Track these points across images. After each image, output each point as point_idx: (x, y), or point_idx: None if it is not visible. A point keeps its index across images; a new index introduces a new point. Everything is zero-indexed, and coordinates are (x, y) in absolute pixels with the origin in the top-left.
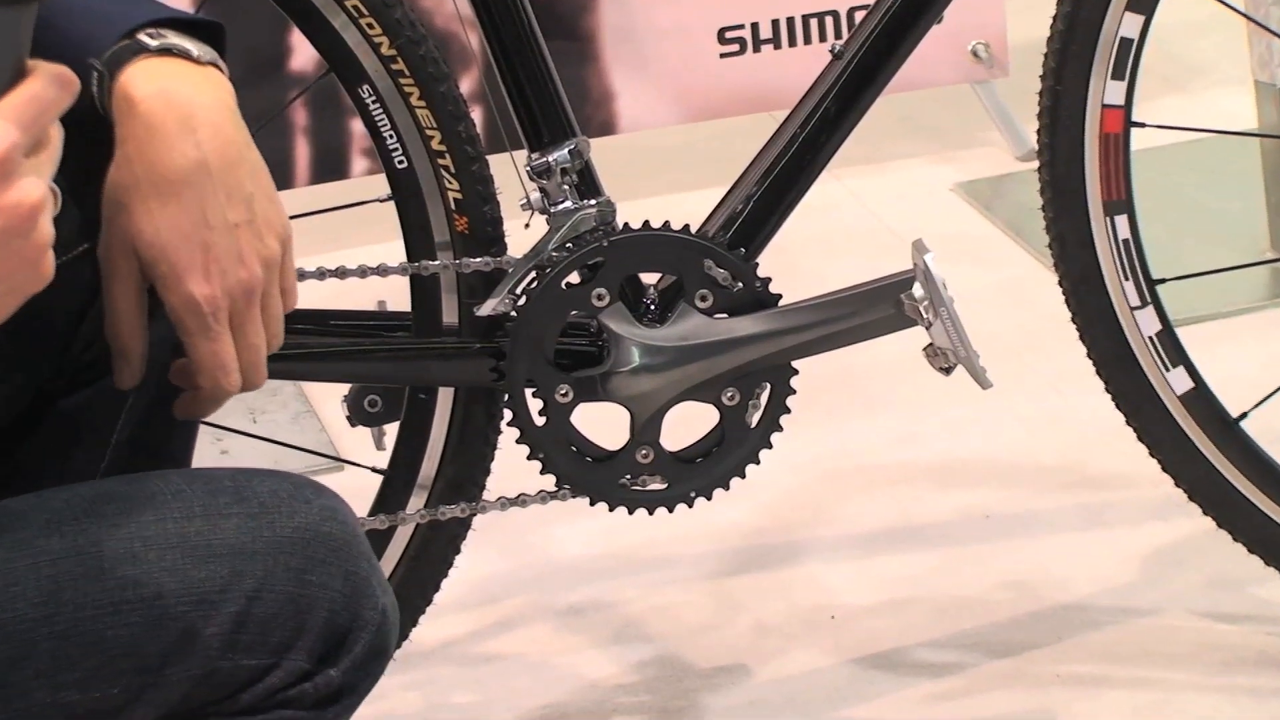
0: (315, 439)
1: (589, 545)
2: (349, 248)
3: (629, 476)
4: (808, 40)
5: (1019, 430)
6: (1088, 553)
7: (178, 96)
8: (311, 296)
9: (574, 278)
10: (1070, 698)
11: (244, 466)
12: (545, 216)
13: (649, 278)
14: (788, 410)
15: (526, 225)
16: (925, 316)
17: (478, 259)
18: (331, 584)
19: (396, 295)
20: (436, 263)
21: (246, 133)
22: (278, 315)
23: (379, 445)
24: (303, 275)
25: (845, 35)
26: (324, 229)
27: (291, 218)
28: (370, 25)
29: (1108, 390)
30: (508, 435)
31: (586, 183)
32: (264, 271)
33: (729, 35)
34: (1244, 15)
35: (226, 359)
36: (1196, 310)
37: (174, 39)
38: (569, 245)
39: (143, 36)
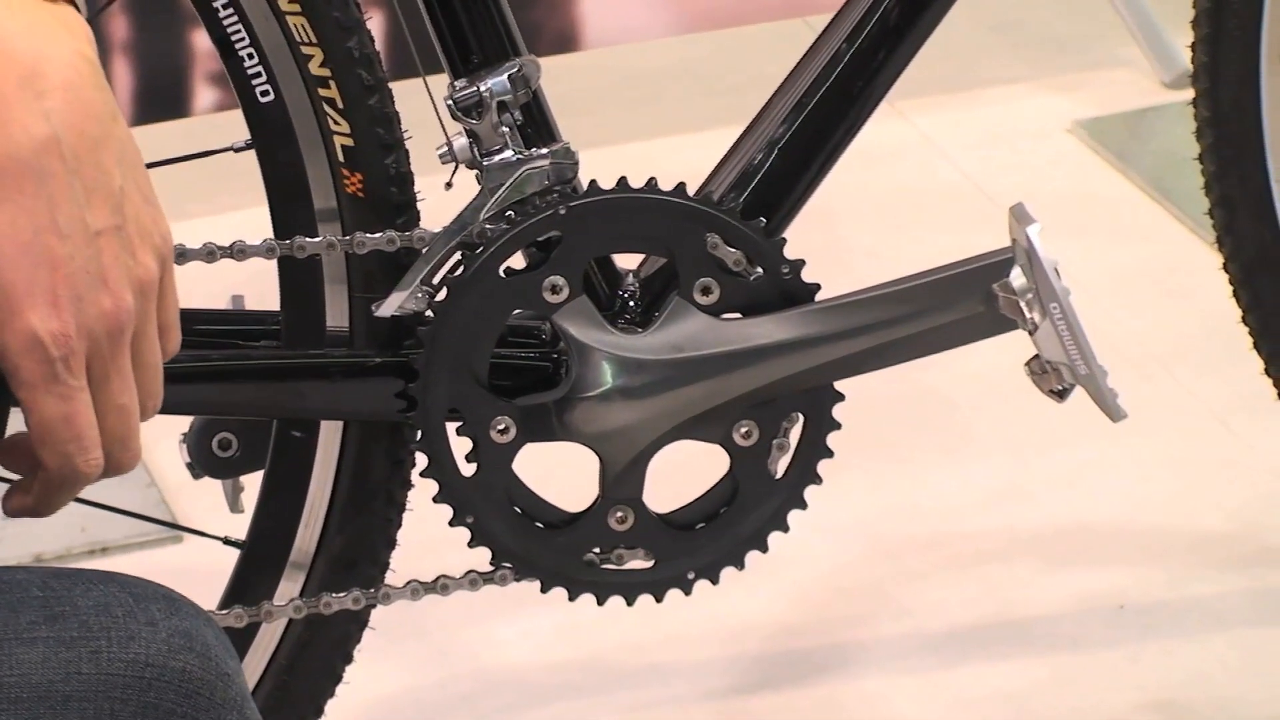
0: (141, 496)
1: (541, 651)
2: (190, 218)
3: (599, 550)
4: None
5: (1167, 481)
6: (1267, 660)
7: (16, 45)
8: None
9: (517, 261)
10: None
11: (56, 566)
12: (475, 172)
13: (626, 261)
14: (829, 454)
15: (448, 185)
16: (1029, 316)
17: (377, 234)
18: None
19: (258, 286)
20: (317, 239)
21: (112, 99)
22: (155, 365)
23: (234, 506)
24: None
25: None
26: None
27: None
28: None
29: None
30: (421, 490)
31: (535, 123)
32: (136, 301)
33: None
34: None
35: (82, 425)
36: None
37: None
38: (510, 214)
39: None
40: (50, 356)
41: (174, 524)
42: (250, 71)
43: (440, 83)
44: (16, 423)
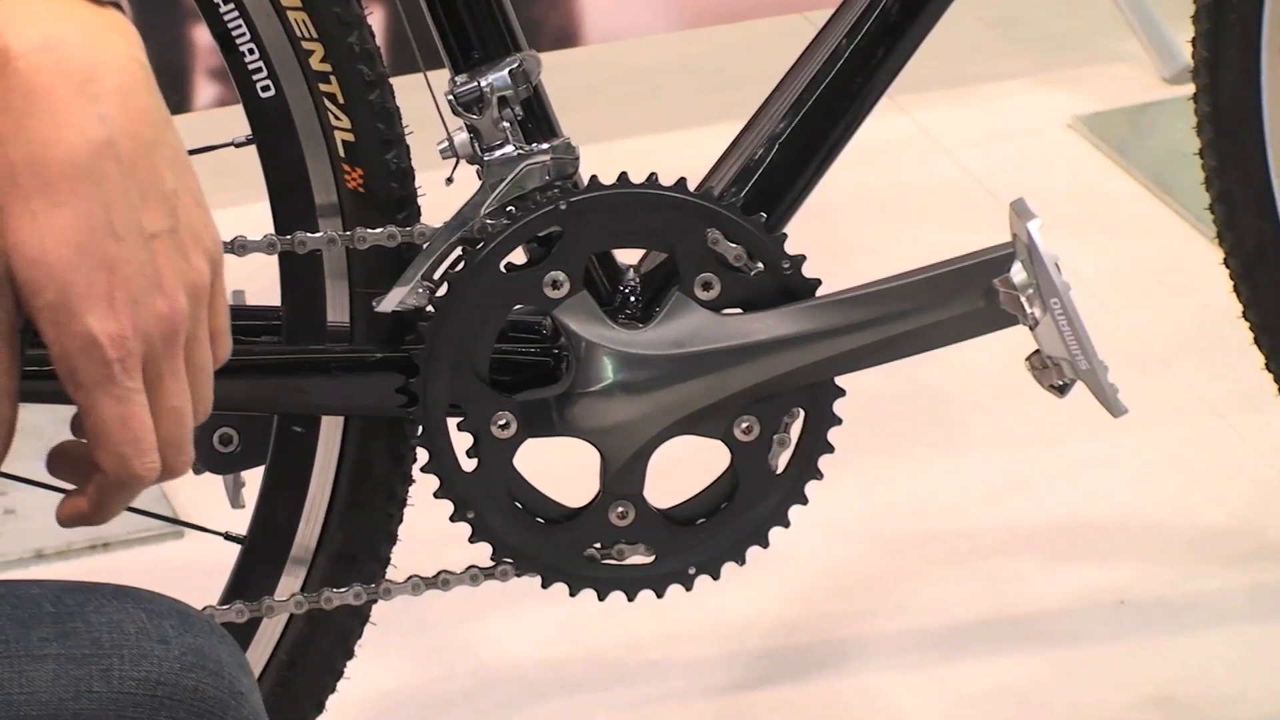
0: (143, 492)
1: (541, 647)
2: None
3: (599, 545)
4: None
5: (1167, 477)
6: (1268, 656)
7: (72, 51)
8: None
9: (518, 256)
10: None
11: (69, 581)
12: (476, 168)
13: (627, 257)
14: (830, 449)
15: (449, 180)
16: (1029, 311)
17: (378, 229)
18: None
19: (259, 282)
20: (318, 235)
21: (163, 103)
22: (206, 369)
23: (235, 501)
24: None
25: None
26: None
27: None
28: None
29: None
30: (422, 486)
31: (536, 118)
32: (189, 304)
33: None
34: None
35: (139, 428)
36: None
37: None
38: (511, 209)
39: None
40: (108, 358)
41: (175, 519)
42: (251, 67)
43: (441, 78)
44: (62, 432)
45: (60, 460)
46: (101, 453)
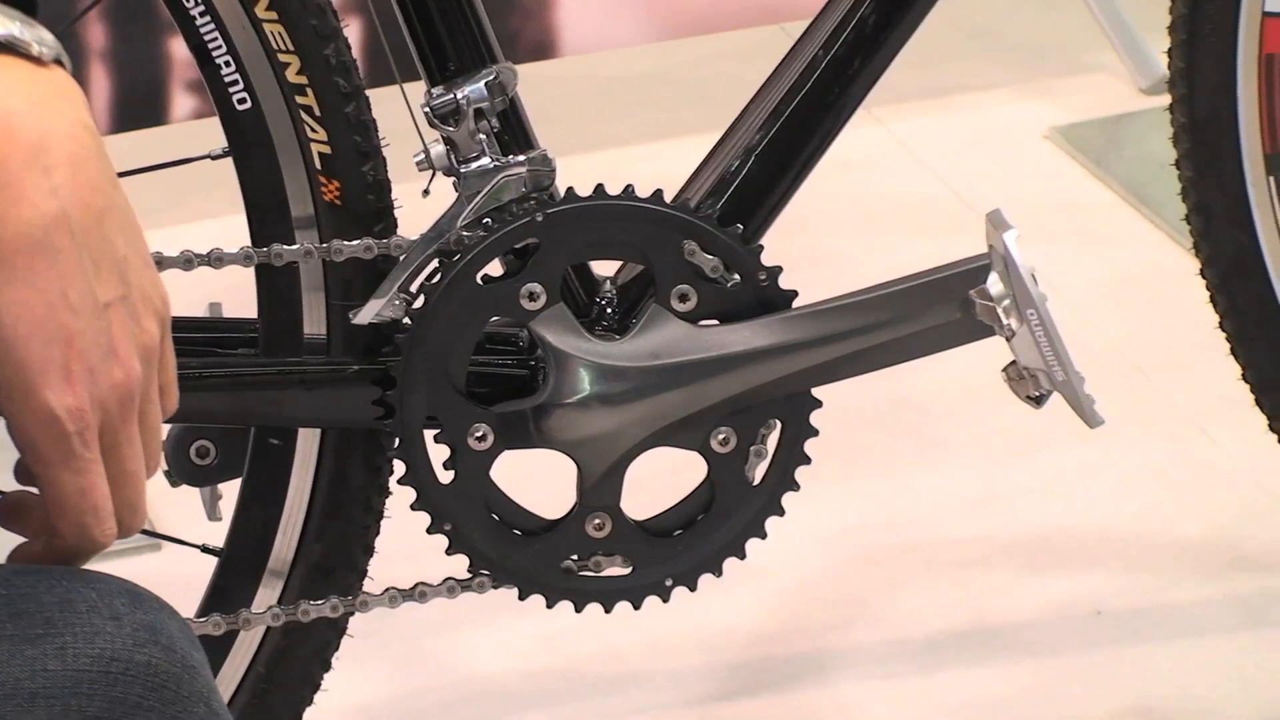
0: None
1: (519, 659)
2: (167, 226)
3: (576, 557)
4: None
5: (1144, 488)
6: (1244, 667)
7: (21, 121)
8: None
9: (495, 268)
10: None
11: (24, 565)
12: (453, 180)
13: (603, 269)
14: (807, 460)
15: (425, 192)
16: (1005, 322)
17: (354, 241)
18: None
19: (236, 295)
20: (295, 247)
21: (111, 166)
22: (156, 429)
23: (212, 514)
24: None
25: None
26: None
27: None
28: None
29: (1273, 428)
30: (399, 498)
31: (512, 130)
32: (142, 368)
33: None
34: None
35: (98, 498)
36: None
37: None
38: (487, 221)
39: None
40: (66, 432)
41: (151, 532)
42: (227, 79)
43: (417, 90)
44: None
45: (12, 513)
46: (61, 522)
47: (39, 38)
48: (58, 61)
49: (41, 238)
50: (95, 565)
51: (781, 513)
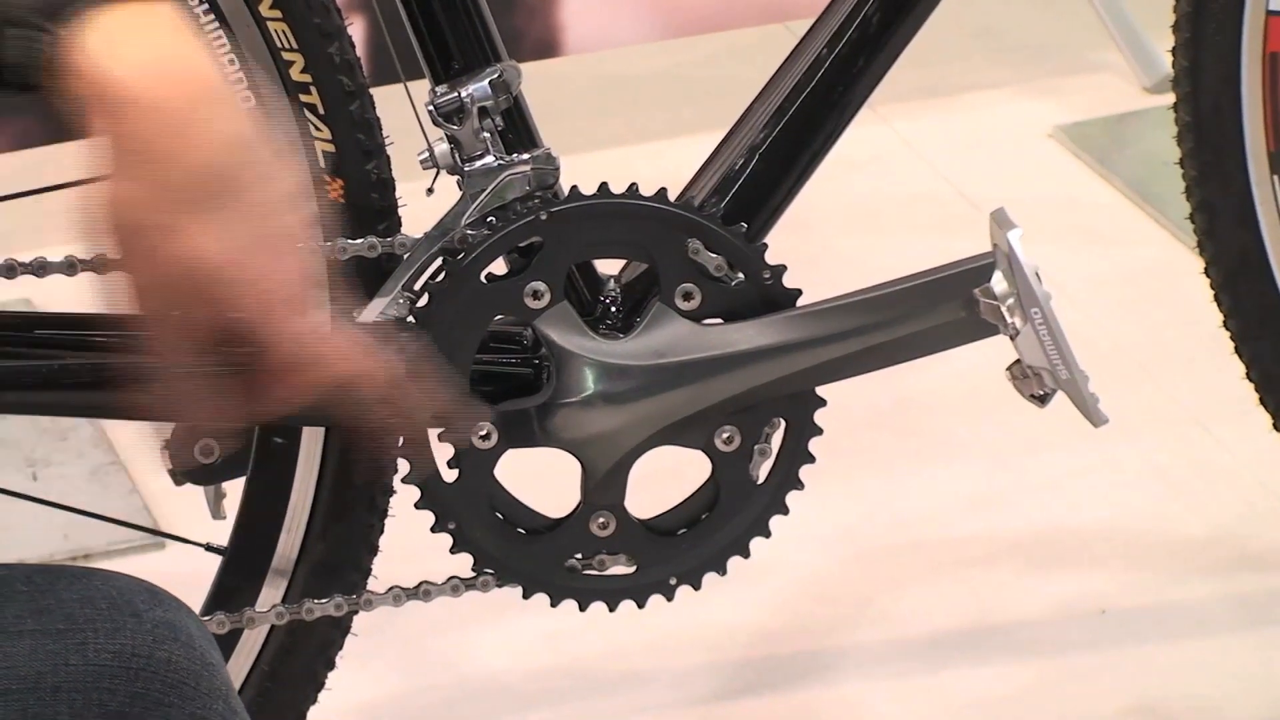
0: (123, 502)
1: (522, 657)
2: None
3: (580, 556)
4: None
5: (1148, 487)
6: (1248, 666)
7: (172, 61)
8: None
9: (499, 267)
10: None
11: (43, 563)
12: (457, 178)
13: (608, 267)
14: (811, 459)
15: (430, 191)
16: (1009, 321)
17: (358, 240)
18: None
19: None
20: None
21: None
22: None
23: (216, 513)
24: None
25: None
26: None
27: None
28: None
29: (1277, 428)
30: (403, 497)
31: (516, 129)
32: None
33: None
34: None
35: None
36: None
37: None
38: (491, 220)
39: None
40: (303, 310)
41: (156, 530)
42: (231, 78)
43: (421, 88)
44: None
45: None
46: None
47: None
48: None
49: (231, 160)
50: (103, 564)
51: (786, 511)
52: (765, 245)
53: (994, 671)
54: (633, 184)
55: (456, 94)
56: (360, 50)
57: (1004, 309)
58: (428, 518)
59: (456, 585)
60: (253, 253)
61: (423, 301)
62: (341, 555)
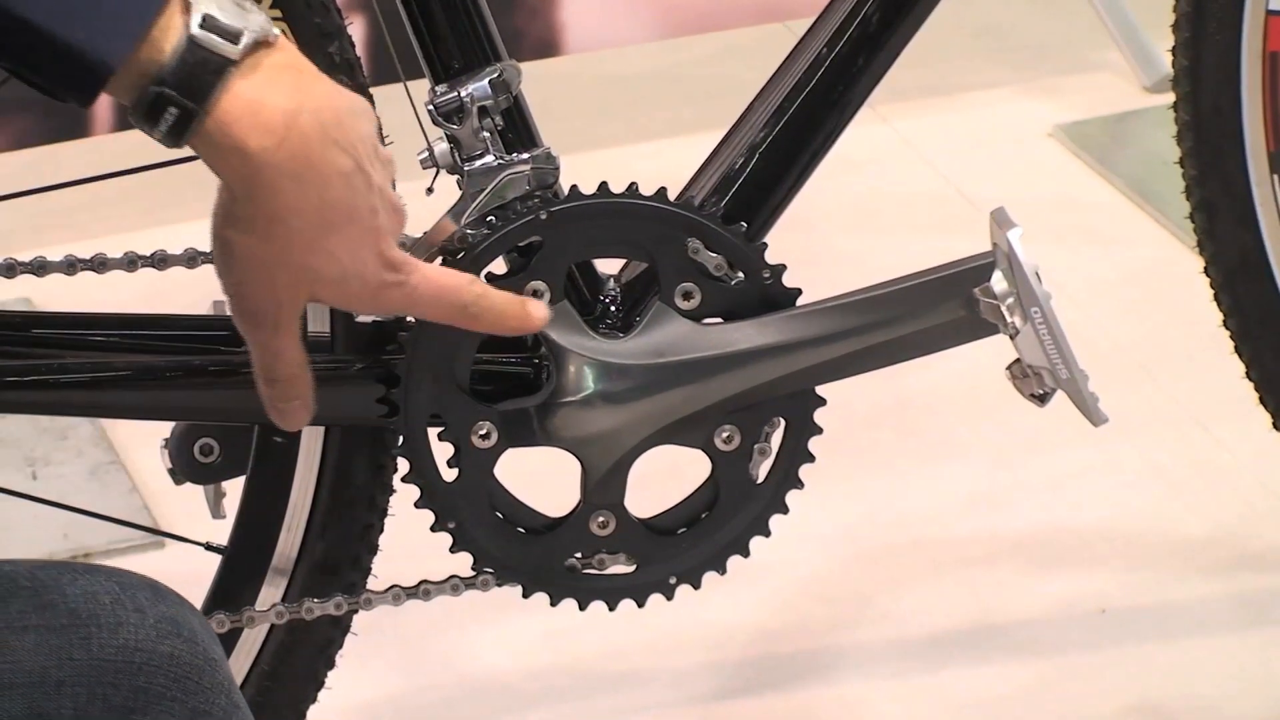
0: (123, 502)
1: (522, 657)
2: (172, 224)
3: (580, 555)
4: None
5: (1148, 486)
6: (1249, 666)
7: (310, 115)
8: (117, 294)
9: (498, 266)
10: None
11: (45, 559)
12: (456, 177)
13: (607, 266)
14: (811, 458)
15: (429, 190)
16: (1010, 321)
17: None
18: None
19: None
20: None
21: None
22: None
23: (216, 512)
24: (105, 264)
25: None
26: (136, 197)
27: (89, 180)
28: None
29: (1276, 427)
30: (403, 496)
31: (516, 128)
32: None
33: None
34: None
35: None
36: None
37: (231, 14)
38: (491, 219)
39: (195, 26)
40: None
41: (156, 529)
42: None
43: (421, 88)
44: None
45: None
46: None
47: (260, 12)
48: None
49: (351, 191)
50: (104, 563)
51: (786, 510)
52: (765, 244)
53: (994, 671)
54: (632, 183)
55: (456, 93)
56: (360, 50)
57: (1004, 308)
58: (428, 517)
59: (456, 584)
60: (360, 264)
61: None
62: (341, 554)
